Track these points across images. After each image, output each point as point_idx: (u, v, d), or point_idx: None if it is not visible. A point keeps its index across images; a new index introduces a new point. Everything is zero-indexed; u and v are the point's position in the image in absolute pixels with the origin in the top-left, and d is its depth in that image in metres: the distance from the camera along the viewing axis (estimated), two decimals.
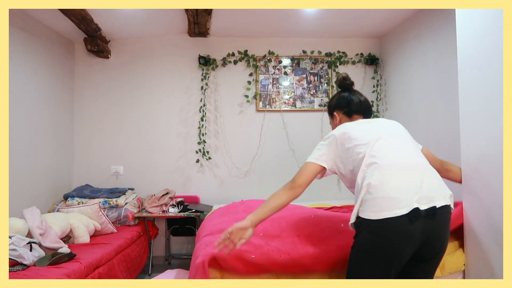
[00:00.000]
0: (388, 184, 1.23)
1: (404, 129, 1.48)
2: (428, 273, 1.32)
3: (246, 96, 3.55)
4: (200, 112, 3.50)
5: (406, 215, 1.18)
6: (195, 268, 1.49)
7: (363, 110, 1.60)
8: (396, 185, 1.23)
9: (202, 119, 3.48)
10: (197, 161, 3.48)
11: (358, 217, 1.27)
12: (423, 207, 1.21)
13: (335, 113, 1.63)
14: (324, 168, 1.43)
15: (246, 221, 1.35)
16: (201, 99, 3.50)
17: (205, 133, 3.50)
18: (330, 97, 3.61)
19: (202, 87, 3.50)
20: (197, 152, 3.49)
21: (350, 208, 2.60)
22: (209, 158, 3.50)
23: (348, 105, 1.60)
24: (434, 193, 1.26)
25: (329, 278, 1.55)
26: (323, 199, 3.19)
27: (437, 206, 1.23)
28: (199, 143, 3.47)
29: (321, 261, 1.54)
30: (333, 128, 1.62)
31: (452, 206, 1.30)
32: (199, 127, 3.48)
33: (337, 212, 2.55)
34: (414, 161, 1.33)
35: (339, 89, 1.70)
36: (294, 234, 1.71)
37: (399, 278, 1.32)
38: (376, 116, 3.59)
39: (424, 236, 1.22)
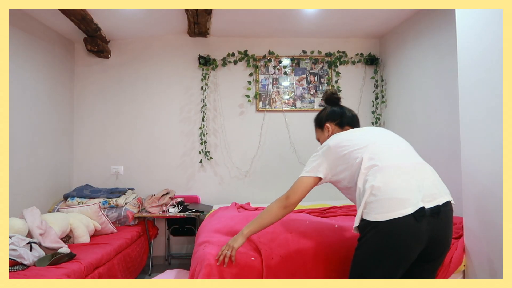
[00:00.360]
0: (391, 185, 1.23)
1: (395, 134, 1.50)
2: (431, 273, 1.33)
3: (247, 96, 3.55)
4: (201, 112, 3.50)
5: (412, 214, 1.18)
6: (200, 267, 1.50)
7: (354, 123, 1.64)
8: (399, 185, 1.23)
9: (203, 119, 3.48)
10: (200, 161, 3.48)
11: (362, 220, 1.26)
12: (428, 205, 1.22)
13: (327, 125, 1.63)
14: (320, 179, 1.44)
15: (242, 239, 1.46)
16: (202, 99, 3.50)
17: (206, 133, 3.50)
18: None
19: (202, 87, 3.50)
20: (200, 153, 3.49)
21: (350, 208, 2.60)
22: (210, 158, 3.50)
23: (341, 116, 1.62)
24: (436, 190, 1.27)
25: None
26: (323, 199, 3.19)
27: (441, 204, 1.25)
28: (201, 143, 3.47)
29: (315, 260, 1.55)
30: (321, 141, 1.64)
31: (452, 201, 1.32)
32: (200, 127, 3.48)
33: (337, 211, 2.56)
34: (413, 161, 1.35)
35: (326, 104, 1.72)
36: (287, 231, 1.71)
37: (403, 278, 1.33)
38: (378, 117, 3.60)
39: (429, 236, 1.22)
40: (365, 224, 1.25)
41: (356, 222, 1.29)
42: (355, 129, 1.56)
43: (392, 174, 1.26)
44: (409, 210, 1.19)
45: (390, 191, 1.22)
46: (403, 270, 1.24)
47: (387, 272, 1.22)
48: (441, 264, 1.34)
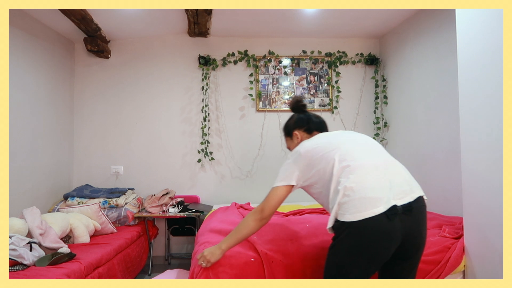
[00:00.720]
0: (363, 184, 1.24)
1: (363, 134, 1.51)
2: (411, 270, 1.33)
3: (251, 95, 3.55)
4: (202, 112, 3.50)
5: (384, 213, 1.19)
6: (200, 267, 1.50)
7: (322, 128, 1.64)
8: (371, 184, 1.24)
9: (204, 119, 3.48)
10: (199, 161, 3.48)
11: (336, 221, 1.27)
12: (399, 202, 1.22)
13: (295, 132, 1.64)
14: (293, 186, 1.45)
15: (220, 254, 1.47)
16: (203, 99, 3.50)
17: (208, 134, 3.50)
18: (330, 97, 3.62)
19: (202, 87, 3.50)
20: (199, 152, 3.49)
21: None
22: (212, 158, 3.50)
23: (308, 123, 1.63)
24: (407, 187, 1.28)
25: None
26: None
27: (412, 200, 1.25)
28: (201, 143, 3.47)
29: (315, 265, 1.56)
30: (292, 149, 1.64)
31: (425, 196, 1.32)
32: (201, 127, 3.48)
33: None
34: (383, 159, 1.36)
35: (293, 112, 1.72)
36: (287, 237, 1.72)
37: (385, 278, 1.33)
38: (378, 117, 3.60)
39: (403, 233, 1.23)
40: (339, 225, 1.26)
41: (330, 223, 1.29)
42: (323, 133, 1.57)
43: (364, 173, 1.27)
44: (381, 209, 1.19)
45: (362, 190, 1.23)
46: (376, 268, 1.25)
47: (361, 271, 1.23)
48: (419, 260, 1.33)
